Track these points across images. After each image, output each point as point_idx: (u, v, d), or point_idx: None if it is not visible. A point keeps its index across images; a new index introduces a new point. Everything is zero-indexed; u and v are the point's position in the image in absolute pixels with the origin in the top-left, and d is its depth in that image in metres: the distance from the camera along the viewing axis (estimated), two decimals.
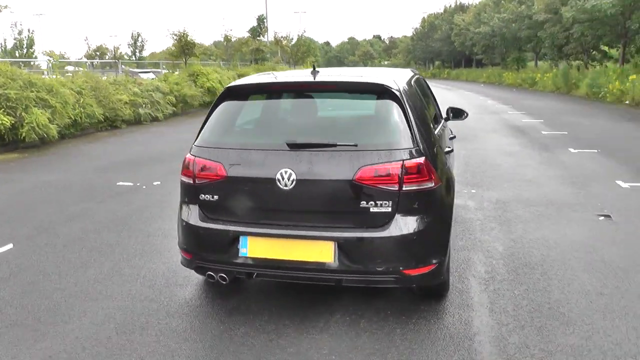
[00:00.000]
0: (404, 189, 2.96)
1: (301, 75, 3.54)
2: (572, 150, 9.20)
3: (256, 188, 3.08)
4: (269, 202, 3.06)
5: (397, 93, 3.15)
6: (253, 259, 3.07)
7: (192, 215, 3.25)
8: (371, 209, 2.96)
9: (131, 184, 7.23)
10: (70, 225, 5.43)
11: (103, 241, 4.91)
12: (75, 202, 6.29)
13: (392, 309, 3.44)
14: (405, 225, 2.99)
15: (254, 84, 3.44)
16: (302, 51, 38.59)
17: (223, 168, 3.11)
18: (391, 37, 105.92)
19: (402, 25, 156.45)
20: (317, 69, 3.51)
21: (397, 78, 3.39)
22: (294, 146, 3.03)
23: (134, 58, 57.03)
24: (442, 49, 65.39)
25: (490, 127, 12.89)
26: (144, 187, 7.06)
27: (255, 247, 3.06)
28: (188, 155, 3.35)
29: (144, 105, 14.08)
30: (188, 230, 3.27)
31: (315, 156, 2.99)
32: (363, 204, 2.96)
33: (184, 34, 20.43)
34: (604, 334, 3.12)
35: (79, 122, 11.65)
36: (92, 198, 6.49)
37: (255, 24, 33.15)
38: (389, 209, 2.97)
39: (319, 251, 2.98)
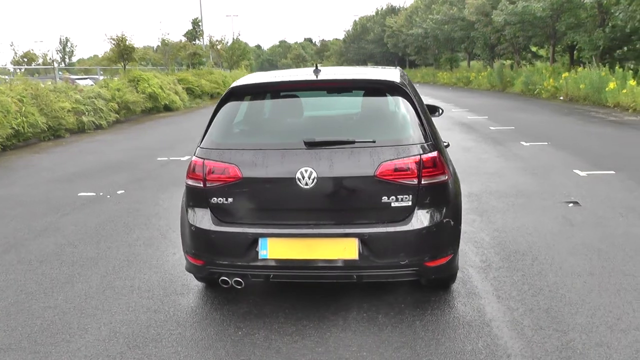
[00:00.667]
0: (422, 182, 3.01)
1: (304, 74, 3.52)
2: (524, 143, 9.68)
3: (275, 188, 3.02)
4: (288, 202, 3.01)
5: (406, 89, 3.21)
6: (274, 260, 3.02)
7: (204, 219, 3.14)
8: (392, 204, 2.99)
9: (93, 194, 6.87)
10: (40, 240, 5.09)
11: (82, 255, 4.64)
12: (37, 216, 5.90)
13: (405, 302, 3.48)
14: (425, 218, 3.04)
15: (261, 83, 3.38)
16: (237, 55, 38.24)
17: (238, 169, 3.03)
18: (322, 39, 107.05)
19: (333, 28, 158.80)
20: (318, 67, 3.51)
21: (399, 75, 3.44)
22: (312, 144, 3.00)
23: (63, 64, 54.28)
24: (375, 51, 66.89)
25: (439, 125, 13.26)
26: (108, 196, 6.74)
27: (276, 249, 3.00)
28: (194, 158, 3.23)
29: (87, 113, 13.41)
30: (199, 236, 3.15)
31: (334, 154, 2.98)
32: (384, 199, 2.98)
33: (122, 38, 19.67)
34: (604, 310, 3.31)
35: (22, 132, 10.92)
36: (56, 211, 6.12)
37: (190, 27, 32.52)
38: (409, 203, 3.01)
39: (343, 248, 2.97)
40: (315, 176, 2.94)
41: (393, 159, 2.98)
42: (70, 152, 10.93)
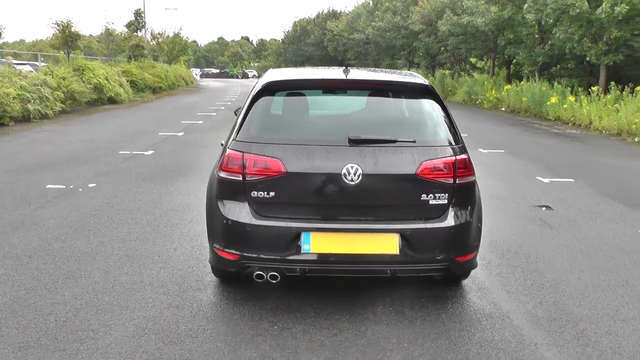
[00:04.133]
0: (457, 182, 3.18)
1: (336, 73, 3.58)
2: (482, 150, 10.20)
3: (319, 183, 3.06)
4: (333, 197, 3.07)
5: (436, 92, 3.36)
6: (317, 254, 3.06)
7: (242, 213, 3.12)
8: (430, 202, 3.13)
9: (63, 186, 6.53)
10: (20, 234, 4.79)
11: (74, 250, 4.42)
12: (8, 210, 5.53)
13: (425, 296, 3.63)
14: (458, 216, 3.21)
15: (299, 80, 3.41)
16: (177, 49, 37.30)
17: (281, 164, 3.05)
18: (260, 39, 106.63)
19: (271, 28, 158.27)
20: (348, 68, 3.58)
21: (425, 79, 3.59)
22: (357, 142, 3.07)
23: None
24: (315, 54, 67.30)
25: None
26: (80, 189, 6.43)
27: (319, 243, 3.05)
28: (229, 151, 3.19)
29: (32, 101, 12.60)
30: (236, 229, 3.13)
31: (378, 152, 3.07)
32: (423, 196, 3.11)
33: (67, 24, 18.59)
34: (603, 302, 3.62)
35: None
36: (26, 203, 5.76)
37: (132, 18, 31.31)
38: (445, 201, 3.16)
39: (384, 243, 3.07)
40: (361, 173, 3.02)
41: (432, 159, 3.12)
42: (20, 141, 10.25)
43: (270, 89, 3.33)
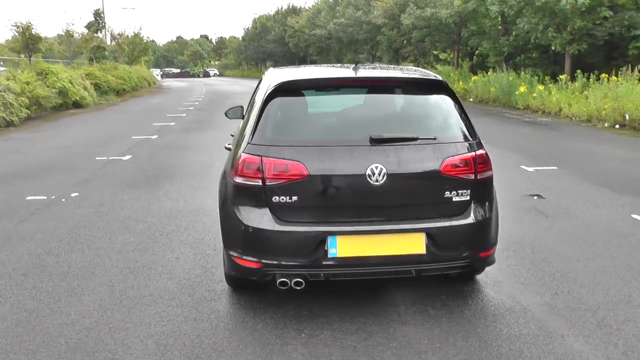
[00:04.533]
0: (478, 177, 3.16)
1: (347, 71, 3.50)
2: None
3: (343, 185, 2.99)
4: (358, 199, 3.00)
5: (452, 89, 3.33)
6: (343, 258, 2.98)
7: (263, 219, 3.01)
8: (453, 198, 3.10)
9: (44, 197, 6.23)
10: (9, 250, 4.53)
11: (71, 265, 4.21)
12: None
13: (443, 293, 3.60)
14: (480, 211, 3.20)
15: (312, 79, 3.32)
16: (138, 50, 36.38)
17: (303, 166, 2.95)
18: (220, 37, 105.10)
19: (231, 25, 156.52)
20: (357, 65, 3.51)
21: (438, 76, 3.56)
22: (379, 141, 3.01)
23: None
24: (276, 50, 66.84)
25: None
26: (63, 199, 6.15)
27: (346, 246, 2.97)
28: (245, 156, 3.07)
29: None
30: (258, 237, 3.02)
31: (401, 150, 3.02)
32: (447, 194, 3.08)
33: (27, 26, 17.76)
34: (615, 289, 3.68)
35: None
36: (9, 216, 5.47)
37: (92, 19, 30.25)
38: (467, 197, 3.13)
39: (411, 243, 3.02)
40: (385, 172, 2.96)
41: (454, 156, 3.09)
42: None
43: (284, 89, 3.22)
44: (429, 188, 3.07)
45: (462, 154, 3.12)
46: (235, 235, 3.14)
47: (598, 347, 2.97)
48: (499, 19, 20.58)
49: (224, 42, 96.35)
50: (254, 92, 4.51)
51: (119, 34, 31.80)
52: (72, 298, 3.63)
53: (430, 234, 3.04)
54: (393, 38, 33.77)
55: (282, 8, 69.67)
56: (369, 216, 3.03)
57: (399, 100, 3.35)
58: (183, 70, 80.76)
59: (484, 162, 3.21)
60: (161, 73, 70.02)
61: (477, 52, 25.09)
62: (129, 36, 33.70)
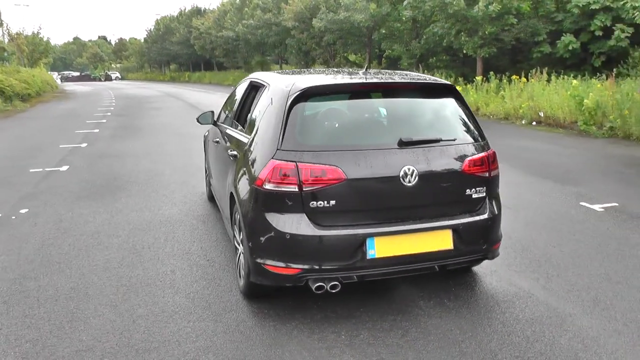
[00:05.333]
0: (491, 174, 3.39)
1: (362, 77, 3.57)
2: None
3: (379, 187, 3.07)
4: (392, 200, 3.09)
5: (460, 93, 3.54)
6: (381, 259, 3.06)
7: (301, 225, 3.01)
8: (473, 195, 3.30)
9: None
10: None
11: (57, 287, 3.89)
12: None
13: (452, 285, 3.81)
14: (494, 206, 3.44)
15: (336, 84, 3.36)
16: (39, 51, 33.74)
17: (341, 171, 2.99)
18: (120, 38, 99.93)
19: (131, 26, 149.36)
20: (367, 70, 3.60)
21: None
22: (408, 143, 3.13)
23: None
24: (181, 52, 65.02)
25: None
26: (13, 217, 5.63)
27: (383, 247, 3.06)
28: (277, 162, 3.05)
29: None
30: (297, 243, 3.01)
31: (428, 152, 3.16)
32: (467, 191, 3.28)
33: None
34: (593, 269, 4.09)
35: None
36: None
37: None
38: (483, 194, 3.35)
39: (440, 240, 3.18)
40: (417, 173, 3.08)
41: (473, 155, 3.30)
42: None
43: (307, 95, 3.23)
44: (453, 187, 3.25)
45: (479, 153, 3.34)
46: (269, 243, 3.11)
47: (601, 321, 3.31)
48: (410, 23, 21.64)
49: (125, 43, 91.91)
50: (244, 97, 4.44)
51: (16, 34, 29.20)
52: (76, 322, 3.37)
53: (456, 230, 3.22)
54: (303, 41, 34.16)
55: (185, 9, 67.84)
56: (402, 216, 3.14)
57: (417, 103, 3.49)
58: (83, 74, 75.96)
59: (494, 160, 3.46)
60: (60, 77, 65.23)
61: (385, 54, 26.18)
62: (27, 36, 31.09)
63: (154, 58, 72.95)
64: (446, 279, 3.93)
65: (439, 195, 3.21)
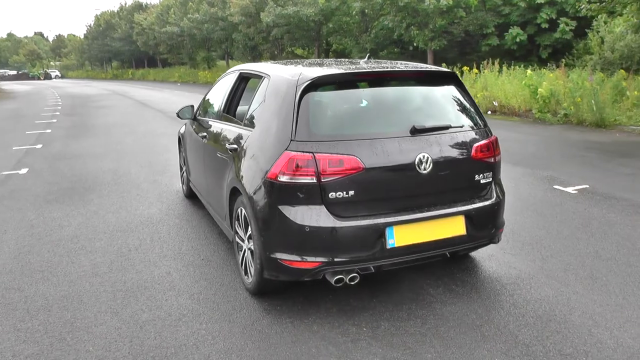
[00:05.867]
0: (495, 160, 3.46)
1: (367, 65, 3.53)
2: None
3: (395, 176, 3.05)
4: (408, 188, 3.09)
5: (461, 80, 3.58)
6: (401, 247, 3.05)
7: (320, 217, 2.95)
8: (481, 181, 3.35)
9: None
10: None
11: (46, 296, 3.64)
12: None
13: (455, 272, 3.86)
14: (499, 191, 3.52)
15: (343, 73, 3.29)
16: None
17: (359, 160, 2.95)
18: (57, 34, 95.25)
19: (69, 21, 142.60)
20: (370, 58, 3.58)
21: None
22: (421, 131, 3.13)
23: None
24: (123, 49, 62.91)
25: None
26: None
27: (402, 235, 3.05)
28: (294, 153, 2.97)
29: None
30: (318, 236, 2.95)
31: (440, 138, 3.18)
32: (476, 177, 3.32)
33: None
34: (580, 248, 4.27)
35: None
36: None
37: None
38: (490, 179, 3.41)
39: (454, 226, 3.21)
40: (431, 160, 3.09)
41: (480, 141, 3.34)
42: None
43: (316, 84, 3.15)
44: (464, 173, 3.28)
45: (485, 139, 3.39)
46: (285, 237, 3.03)
47: (602, 297, 3.45)
48: (359, 16, 21.83)
49: (63, 40, 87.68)
50: (234, 90, 4.30)
51: None
52: (78, 332, 3.17)
53: (468, 216, 3.25)
54: (250, 36, 33.73)
55: (126, 4, 65.49)
56: (418, 204, 3.14)
57: (423, 91, 3.49)
58: (21, 72, 71.89)
59: (497, 146, 3.52)
60: None
61: (332, 48, 26.30)
62: None
63: (95, 55, 70.15)
64: (448, 265, 3.98)
65: (452, 181, 3.24)
